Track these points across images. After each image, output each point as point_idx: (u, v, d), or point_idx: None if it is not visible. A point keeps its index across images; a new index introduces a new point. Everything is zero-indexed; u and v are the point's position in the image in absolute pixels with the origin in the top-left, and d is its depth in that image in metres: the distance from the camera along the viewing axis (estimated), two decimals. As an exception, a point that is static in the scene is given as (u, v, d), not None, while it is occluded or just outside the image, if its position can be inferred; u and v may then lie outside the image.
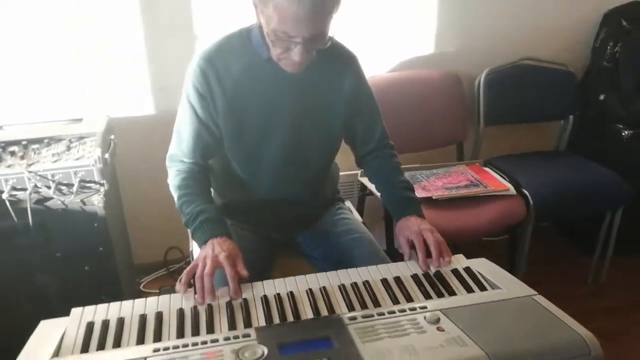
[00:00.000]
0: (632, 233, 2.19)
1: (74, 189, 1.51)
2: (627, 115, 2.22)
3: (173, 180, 1.31)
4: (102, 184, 1.56)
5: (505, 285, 1.12)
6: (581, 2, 2.30)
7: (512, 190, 1.96)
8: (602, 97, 2.29)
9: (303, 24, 1.08)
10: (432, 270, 1.19)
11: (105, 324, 1.02)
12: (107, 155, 1.63)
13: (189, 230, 1.27)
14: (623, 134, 2.21)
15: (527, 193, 1.98)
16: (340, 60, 1.34)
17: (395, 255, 1.48)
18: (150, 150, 2.05)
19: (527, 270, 2.04)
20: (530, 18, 2.27)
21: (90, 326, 1.01)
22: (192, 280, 1.13)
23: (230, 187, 1.41)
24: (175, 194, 1.30)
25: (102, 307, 1.07)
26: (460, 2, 2.17)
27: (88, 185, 1.56)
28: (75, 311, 1.06)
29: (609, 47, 2.26)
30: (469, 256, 1.26)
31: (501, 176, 2.07)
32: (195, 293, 1.11)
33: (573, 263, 2.37)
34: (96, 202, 1.57)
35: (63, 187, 1.54)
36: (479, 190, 1.94)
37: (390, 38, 2.16)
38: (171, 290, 2.07)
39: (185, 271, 1.14)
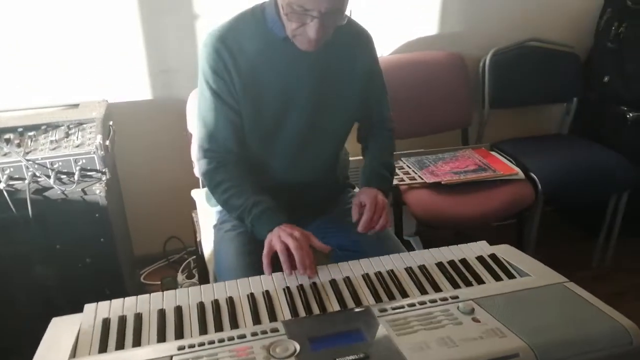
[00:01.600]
0: (636, 215, 2.19)
1: (75, 177, 1.44)
2: (631, 98, 2.20)
3: (211, 173, 1.24)
4: (103, 172, 1.50)
5: (533, 272, 1.09)
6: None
7: (521, 174, 1.94)
8: (606, 79, 2.26)
9: None
10: (370, 232, 1.25)
11: (123, 320, 0.96)
12: (107, 142, 1.56)
13: (247, 223, 1.21)
14: (628, 116, 2.19)
15: (536, 177, 1.95)
16: (356, 40, 1.30)
17: (404, 243, 1.44)
18: (150, 136, 1.99)
19: (533, 255, 2.02)
20: (536, -2, 2.23)
21: (106, 323, 0.96)
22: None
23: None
24: (217, 188, 1.24)
25: (117, 302, 1.01)
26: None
27: (89, 173, 1.49)
28: (89, 307, 1.00)
29: (613, 28, 2.23)
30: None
31: (508, 160, 2.04)
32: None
33: (578, 247, 2.37)
34: (98, 191, 1.50)
35: (63, 176, 1.47)
36: (487, 174, 1.91)
37: (394, 19, 2.10)
38: (173, 281, 2.02)
39: (263, 256, 1.10)
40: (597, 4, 2.31)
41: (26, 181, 1.41)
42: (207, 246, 1.46)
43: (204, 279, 1.45)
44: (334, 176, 1.45)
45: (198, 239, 1.51)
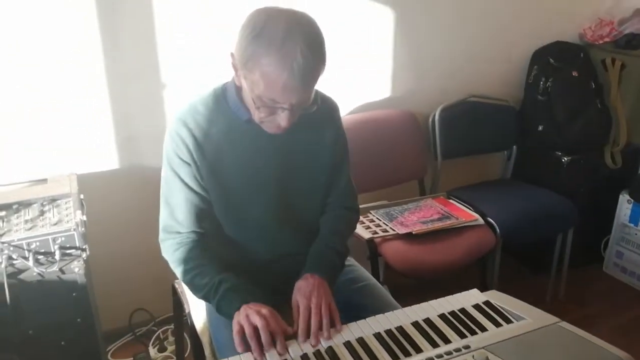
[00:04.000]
0: (576, 250, 2.38)
1: (56, 257, 1.38)
2: (564, 143, 2.44)
3: (174, 254, 1.24)
4: (83, 249, 1.44)
5: (527, 314, 1.18)
6: (513, 43, 2.53)
7: (481, 220, 2.07)
8: (540, 127, 2.50)
9: (292, 93, 1.07)
10: (313, 342, 1.10)
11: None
12: (84, 217, 1.51)
13: (213, 304, 1.18)
14: (562, 160, 2.43)
15: (493, 222, 2.10)
16: (323, 113, 1.28)
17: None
18: (117, 206, 1.94)
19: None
20: (473, 58, 2.45)
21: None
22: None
23: (224, 249, 1.33)
24: (180, 268, 1.23)
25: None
26: (412, 47, 2.30)
27: (68, 251, 1.43)
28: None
29: (541, 83, 2.49)
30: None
31: (466, 206, 2.18)
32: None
33: (530, 284, 2.53)
34: (77, 269, 1.44)
35: (40, 257, 1.40)
36: (452, 222, 2.02)
37: (348, 82, 2.22)
38: (147, 357, 1.92)
39: (234, 334, 1.07)
40: (524, 62, 2.58)
41: (2, 265, 1.33)
42: (198, 318, 1.43)
43: (197, 352, 1.40)
44: None
45: (187, 310, 1.47)
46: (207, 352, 1.36)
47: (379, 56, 2.25)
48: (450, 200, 2.24)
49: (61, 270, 1.43)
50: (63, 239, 1.41)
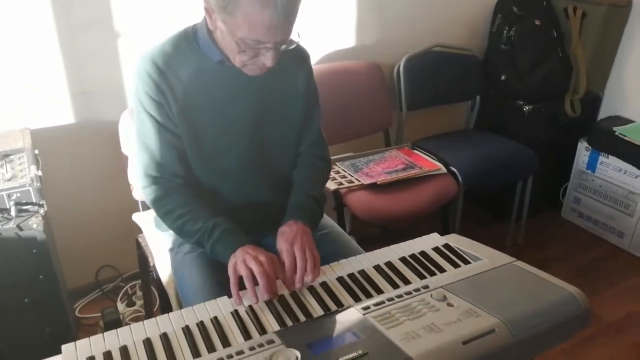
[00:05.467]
0: (536, 197, 2.46)
1: (12, 213, 1.34)
2: (526, 92, 2.48)
3: (161, 201, 1.21)
4: (41, 205, 1.41)
5: (484, 256, 1.21)
6: (477, -9, 2.52)
7: (443, 169, 2.11)
8: (503, 77, 2.52)
9: (276, 30, 1.05)
10: (298, 285, 1.11)
11: (109, 356, 0.93)
12: (40, 172, 1.46)
13: (207, 248, 1.18)
14: (524, 109, 2.47)
15: (456, 170, 2.13)
16: (294, 58, 1.28)
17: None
18: (75, 162, 1.89)
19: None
20: (437, 7, 2.42)
21: (92, 361, 0.92)
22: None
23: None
24: (168, 216, 1.20)
25: (96, 338, 0.97)
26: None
27: (24, 208, 1.39)
28: (67, 347, 0.95)
29: (505, 32, 2.49)
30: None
31: (430, 157, 2.21)
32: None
33: (491, 230, 2.61)
34: (35, 225, 1.41)
35: (-5, 214, 1.36)
36: (415, 172, 2.05)
37: (314, 33, 2.18)
38: (115, 311, 1.92)
39: (231, 285, 1.07)
40: (488, 10, 2.56)
41: (-45, 223, 1.29)
42: (163, 270, 1.43)
43: (164, 304, 1.41)
44: (288, 191, 1.44)
45: (152, 264, 1.46)
46: (173, 303, 1.37)
47: (343, 5, 2.20)
48: (415, 151, 2.26)
49: (19, 227, 1.39)
50: (18, 194, 1.37)
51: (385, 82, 2.34)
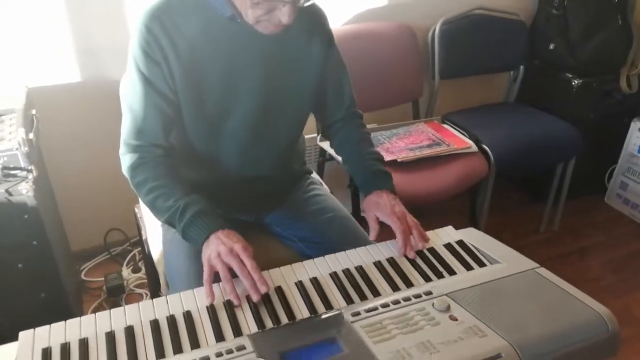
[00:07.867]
0: (579, 179, 2.25)
1: (-2, 178, 1.27)
2: (576, 64, 2.22)
3: (135, 170, 1.10)
4: (29, 170, 1.33)
5: (503, 258, 1.06)
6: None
7: (474, 147, 1.92)
8: (551, 46, 2.27)
9: None
10: (411, 255, 1.08)
11: (66, 348, 0.85)
12: (31, 135, 1.38)
13: (178, 230, 1.07)
14: (573, 83, 2.22)
15: (488, 149, 1.94)
16: (309, 18, 1.17)
17: (362, 224, 1.38)
18: (77, 123, 1.81)
19: (485, 223, 2.04)
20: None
21: (46, 354, 0.84)
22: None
23: (190, 166, 1.22)
24: (140, 188, 1.10)
25: (57, 327, 0.89)
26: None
27: (13, 172, 1.32)
28: (25, 335, 0.88)
29: (557, -6, 2.23)
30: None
31: (461, 132, 2.02)
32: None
33: (526, 213, 2.42)
34: (25, 191, 1.34)
35: (-19, 177, 1.29)
36: (442, 149, 1.87)
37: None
38: (118, 277, 1.88)
39: (205, 281, 0.97)
40: (541, -31, 2.29)
41: (-62, 186, 1.23)
42: (155, 245, 1.34)
43: (153, 282, 1.33)
44: (292, 165, 1.35)
45: (144, 237, 1.38)
46: (162, 282, 1.29)
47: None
48: (445, 125, 2.07)
49: (8, 192, 1.32)
50: (5, 159, 1.30)
51: (417, 47, 2.14)
